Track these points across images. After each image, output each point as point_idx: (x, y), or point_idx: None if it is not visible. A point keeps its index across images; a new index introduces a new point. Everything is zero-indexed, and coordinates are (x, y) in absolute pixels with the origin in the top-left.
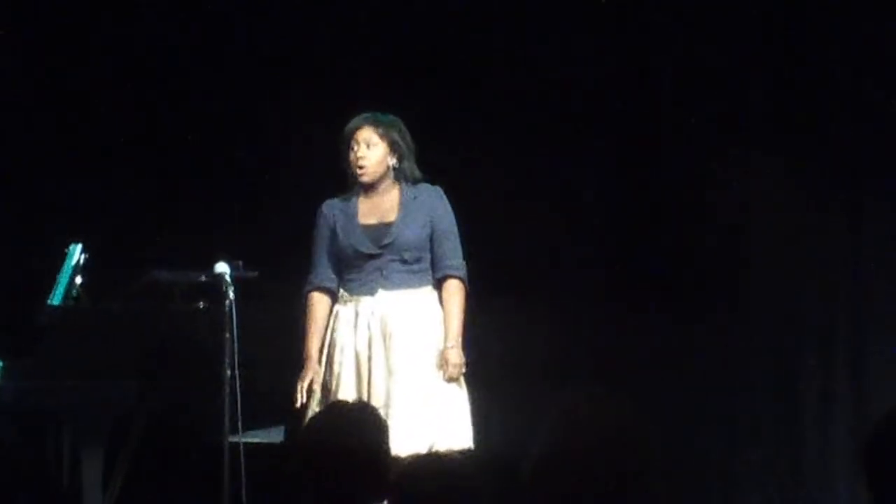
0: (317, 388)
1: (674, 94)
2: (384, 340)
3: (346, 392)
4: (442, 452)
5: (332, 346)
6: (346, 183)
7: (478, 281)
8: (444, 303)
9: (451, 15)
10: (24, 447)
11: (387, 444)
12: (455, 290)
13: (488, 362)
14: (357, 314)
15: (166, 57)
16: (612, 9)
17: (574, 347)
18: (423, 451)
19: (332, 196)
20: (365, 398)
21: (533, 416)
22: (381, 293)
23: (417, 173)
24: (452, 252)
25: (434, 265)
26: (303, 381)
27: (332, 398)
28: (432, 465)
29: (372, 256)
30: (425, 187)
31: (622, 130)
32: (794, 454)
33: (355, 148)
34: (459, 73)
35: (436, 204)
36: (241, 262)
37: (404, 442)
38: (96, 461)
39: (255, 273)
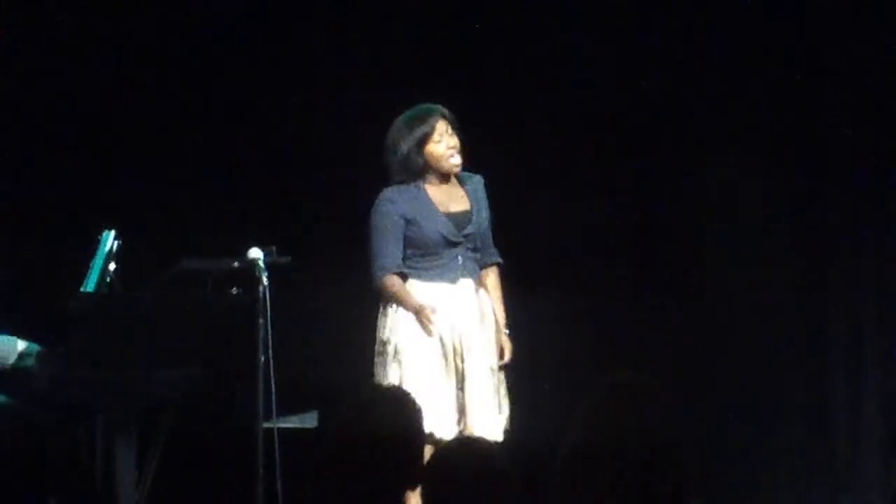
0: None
1: (690, 107)
2: (472, 329)
3: (437, 383)
4: (473, 437)
5: (401, 332)
6: (407, 177)
7: (505, 269)
8: (491, 289)
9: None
10: (58, 435)
11: (422, 429)
12: (498, 276)
13: (517, 351)
14: (435, 302)
15: (200, 45)
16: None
17: (605, 340)
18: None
19: (365, 181)
20: (459, 389)
21: (561, 404)
22: (461, 281)
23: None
24: (491, 239)
25: (480, 252)
26: (425, 315)
27: (413, 387)
28: (465, 450)
29: (453, 244)
30: (474, 176)
31: (646, 138)
32: (823, 442)
33: (440, 139)
34: (486, 67)
35: (484, 192)
36: (274, 248)
37: (495, 428)
38: (129, 449)
39: (289, 258)
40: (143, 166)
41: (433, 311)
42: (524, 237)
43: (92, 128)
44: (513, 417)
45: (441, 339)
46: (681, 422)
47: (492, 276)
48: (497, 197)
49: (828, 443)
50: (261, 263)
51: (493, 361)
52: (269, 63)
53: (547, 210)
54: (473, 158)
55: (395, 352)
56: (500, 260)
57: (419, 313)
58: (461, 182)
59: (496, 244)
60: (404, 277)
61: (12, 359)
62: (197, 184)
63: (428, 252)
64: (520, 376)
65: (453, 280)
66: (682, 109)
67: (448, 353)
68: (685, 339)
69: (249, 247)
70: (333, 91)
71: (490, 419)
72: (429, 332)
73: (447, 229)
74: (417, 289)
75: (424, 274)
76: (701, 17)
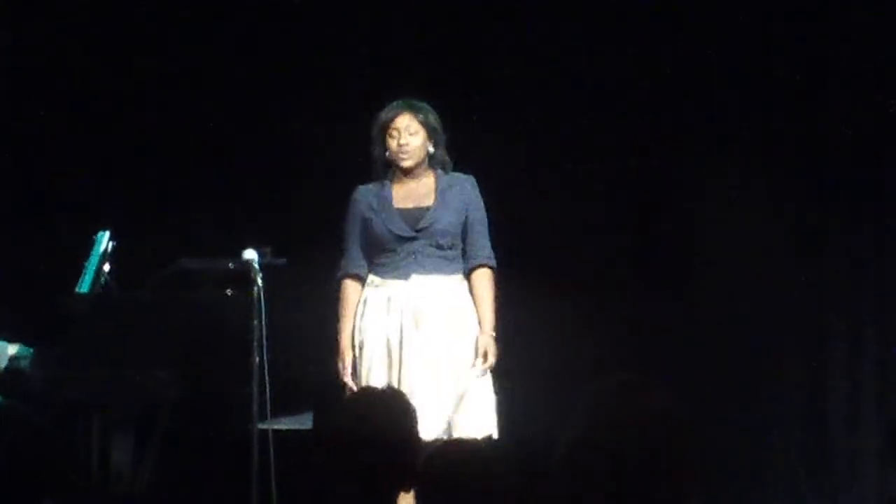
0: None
1: (690, 107)
2: (416, 326)
3: (377, 376)
4: (467, 439)
5: (362, 331)
6: (375, 170)
7: (502, 270)
8: (478, 291)
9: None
10: (54, 435)
11: (416, 430)
12: (489, 279)
13: (512, 351)
14: (389, 299)
15: (197, 45)
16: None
17: (605, 339)
18: (447, 437)
19: (359, 182)
20: (395, 383)
21: (556, 405)
22: (414, 278)
23: (449, 160)
24: (485, 241)
25: (467, 253)
26: (345, 374)
27: (362, 383)
28: (459, 452)
29: (407, 240)
30: (460, 176)
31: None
32: (821, 441)
33: (396, 136)
34: (481, 64)
35: (471, 193)
36: (269, 249)
37: (433, 428)
38: (126, 449)
39: (284, 260)
40: (139, 166)
41: (344, 368)
42: (524, 237)
43: (88, 128)
44: (501, 425)
45: (387, 338)
46: (680, 422)
47: (478, 278)
48: (496, 197)
49: (827, 443)
50: (256, 265)
51: (457, 361)
52: (266, 63)
53: (546, 210)
54: (473, 158)
55: (360, 340)
56: (489, 262)
57: (340, 353)
58: (438, 179)
59: (498, 247)
60: (363, 280)
61: (3, 361)
62: (193, 184)
63: (384, 248)
64: (519, 376)
65: (405, 276)
66: (682, 110)
67: (393, 350)
68: (685, 338)
69: (245, 248)
70: (330, 91)
71: (430, 419)
72: (346, 380)
73: (396, 224)
74: (375, 284)
75: (381, 270)
76: (701, 17)
